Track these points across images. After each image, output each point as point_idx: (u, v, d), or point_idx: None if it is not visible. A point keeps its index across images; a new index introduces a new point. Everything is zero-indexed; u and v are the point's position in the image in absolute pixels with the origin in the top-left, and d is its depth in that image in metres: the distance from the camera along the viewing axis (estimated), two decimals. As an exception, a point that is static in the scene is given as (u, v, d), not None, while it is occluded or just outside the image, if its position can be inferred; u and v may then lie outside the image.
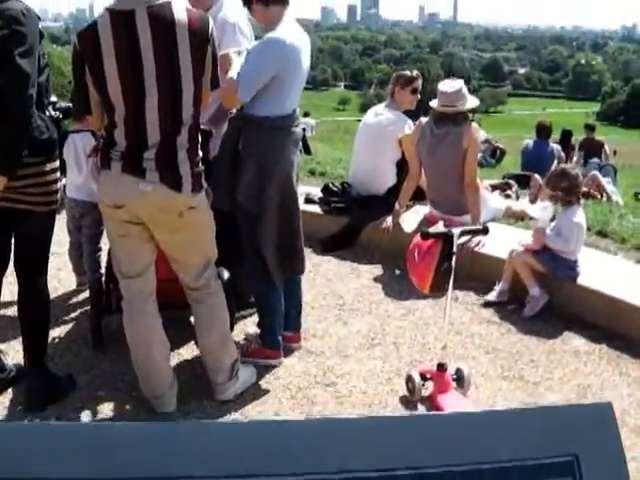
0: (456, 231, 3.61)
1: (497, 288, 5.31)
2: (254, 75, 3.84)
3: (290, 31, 3.92)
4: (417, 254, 3.75)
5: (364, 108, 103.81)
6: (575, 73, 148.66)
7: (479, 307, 5.28)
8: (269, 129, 3.92)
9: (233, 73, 3.86)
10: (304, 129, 4.54)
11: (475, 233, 4.19)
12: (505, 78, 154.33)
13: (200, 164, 3.53)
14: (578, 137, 17.12)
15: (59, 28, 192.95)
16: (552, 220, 5.22)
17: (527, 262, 5.19)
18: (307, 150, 11.76)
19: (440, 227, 3.84)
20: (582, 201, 5.62)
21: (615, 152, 16.96)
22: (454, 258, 3.62)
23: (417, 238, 3.79)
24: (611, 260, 5.66)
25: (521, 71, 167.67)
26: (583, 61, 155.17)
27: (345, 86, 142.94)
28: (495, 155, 14.96)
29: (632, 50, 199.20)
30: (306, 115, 23.65)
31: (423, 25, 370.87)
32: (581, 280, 5.14)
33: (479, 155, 8.84)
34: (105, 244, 4.25)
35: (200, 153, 3.55)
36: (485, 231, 3.86)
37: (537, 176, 8.70)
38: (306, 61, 4.04)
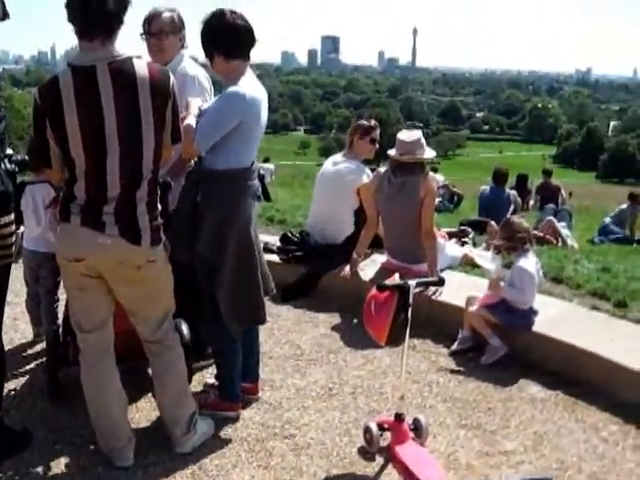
0: (412, 283, 3.65)
1: (459, 337, 5.36)
2: (213, 126, 3.87)
3: (251, 85, 3.97)
4: (373, 306, 3.78)
5: (324, 152, 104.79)
6: (531, 116, 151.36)
7: (436, 355, 5.32)
8: (228, 182, 3.95)
9: (191, 121, 3.89)
10: (263, 175, 4.58)
11: (431, 284, 4.24)
12: (463, 122, 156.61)
13: (159, 217, 3.55)
14: (535, 179, 17.39)
15: (20, 71, 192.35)
16: (508, 267, 5.29)
17: (483, 316, 5.25)
18: (266, 196, 11.79)
19: (396, 279, 3.87)
20: (535, 247, 5.70)
21: (570, 194, 17.25)
22: (410, 310, 3.66)
23: (373, 290, 3.82)
24: (566, 307, 5.73)
25: (479, 115, 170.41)
26: (539, 105, 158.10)
27: (305, 130, 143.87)
28: (453, 200, 15.15)
29: (587, 94, 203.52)
30: (266, 160, 23.76)
31: (382, 70, 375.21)
32: (537, 328, 5.21)
33: (437, 200, 8.95)
34: (63, 295, 4.23)
35: (159, 206, 3.57)
36: (441, 282, 3.91)
37: (493, 223, 8.82)
38: (265, 115, 4.09)
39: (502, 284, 5.23)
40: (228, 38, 3.94)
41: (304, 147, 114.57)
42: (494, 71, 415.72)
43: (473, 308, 5.28)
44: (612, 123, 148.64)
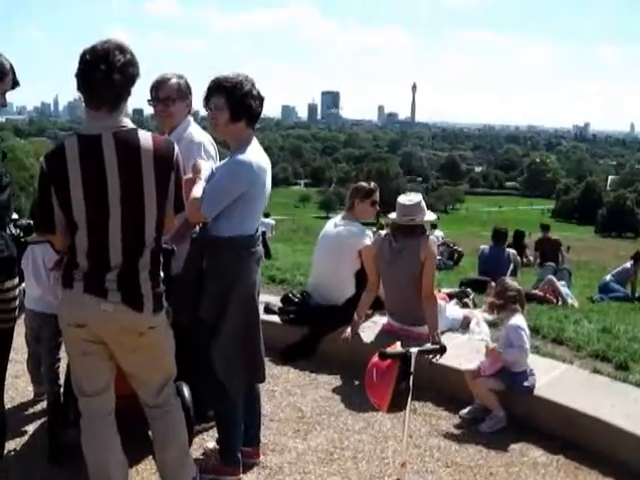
0: (414, 351, 3.66)
1: (472, 407, 5.35)
2: (220, 193, 3.92)
3: (257, 154, 4.04)
4: (375, 374, 3.79)
5: (324, 206, 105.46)
6: (530, 171, 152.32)
7: (437, 418, 5.30)
8: (233, 250, 3.99)
9: (200, 186, 3.95)
10: (264, 232, 4.63)
11: (433, 352, 4.26)
12: (462, 176, 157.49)
13: (161, 284, 3.57)
14: (534, 234, 17.45)
15: (23, 121, 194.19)
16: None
17: (489, 387, 5.24)
18: (267, 253, 11.83)
19: (398, 347, 3.88)
20: (535, 306, 5.72)
21: (569, 248, 17.30)
22: (412, 378, 3.67)
23: (375, 358, 3.83)
24: (567, 369, 5.72)
25: (478, 169, 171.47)
26: (538, 159, 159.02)
27: (305, 184, 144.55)
28: (453, 257, 15.20)
29: (585, 149, 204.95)
30: (266, 215, 23.83)
31: (382, 125, 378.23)
32: (538, 391, 5.20)
33: (437, 258, 9.00)
34: (64, 354, 4.23)
35: (162, 273, 3.60)
36: (442, 350, 3.92)
37: (493, 284, 8.84)
38: (269, 183, 4.15)
39: (500, 350, 5.24)
40: (260, 109, 4.09)
41: (304, 201, 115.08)
42: (492, 126, 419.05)
43: (476, 380, 5.27)
44: (610, 177, 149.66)
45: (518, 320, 5.24)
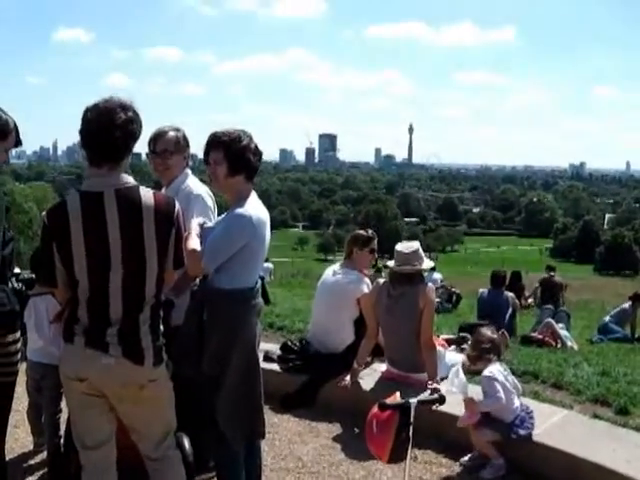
0: (413, 402, 3.68)
1: (472, 455, 5.34)
2: (221, 246, 3.98)
3: (256, 207, 4.10)
4: (375, 425, 3.80)
5: (322, 248, 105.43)
6: (527, 211, 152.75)
7: (438, 466, 5.29)
8: (233, 302, 4.04)
9: (196, 241, 4.00)
10: (262, 276, 4.67)
11: (433, 402, 4.25)
12: (460, 217, 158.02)
13: (161, 337, 3.60)
14: (532, 274, 17.46)
15: (22, 166, 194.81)
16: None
17: (486, 439, 5.23)
18: (266, 298, 11.80)
19: (397, 398, 3.89)
20: (527, 350, 5.70)
21: (566, 286, 17.28)
22: (411, 428, 3.68)
23: (375, 409, 3.85)
24: (567, 415, 5.72)
25: (475, 210, 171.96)
26: (535, 199, 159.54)
27: (303, 226, 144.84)
28: (452, 300, 15.21)
29: (581, 188, 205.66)
30: (265, 260, 23.85)
31: (379, 167, 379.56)
32: (538, 437, 5.19)
33: (436, 301, 9.01)
34: (65, 405, 4.23)
35: (162, 327, 3.62)
36: (442, 400, 3.94)
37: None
38: (268, 235, 4.20)
39: (477, 398, 5.23)
40: (258, 163, 4.18)
41: (302, 243, 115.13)
42: (489, 167, 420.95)
43: (473, 430, 5.26)
44: (607, 216, 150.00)
45: (492, 370, 5.23)
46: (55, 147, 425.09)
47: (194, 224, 4.16)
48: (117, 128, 3.32)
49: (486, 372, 5.22)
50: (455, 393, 5.19)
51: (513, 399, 5.26)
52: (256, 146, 4.14)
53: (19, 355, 3.92)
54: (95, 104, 3.39)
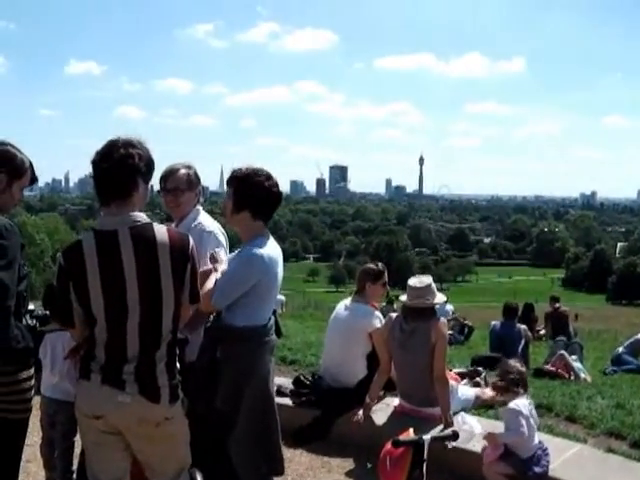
0: (427, 438, 3.67)
1: None
2: (232, 285, 4.03)
3: (269, 246, 4.15)
4: (388, 462, 3.79)
5: (334, 280, 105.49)
6: (539, 241, 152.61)
7: (453, 502, 5.27)
8: (246, 340, 4.08)
9: (213, 279, 4.05)
10: (274, 310, 4.71)
11: (446, 439, 4.23)
12: (471, 248, 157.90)
13: (177, 375, 3.61)
14: (542, 304, 17.41)
15: (34, 197, 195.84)
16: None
17: (499, 472, 5.17)
18: (278, 331, 11.80)
19: (411, 434, 3.88)
20: (539, 383, 5.67)
21: (577, 316, 17.24)
22: (425, 465, 3.67)
23: (388, 445, 3.84)
24: (581, 449, 5.68)
25: (486, 240, 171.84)
26: (546, 229, 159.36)
27: (314, 258, 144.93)
28: (464, 332, 15.16)
29: (592, 217, 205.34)
30: (277, 292, 23.83)
31: (390, 198, 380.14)
32: (552, 472, 5.15)
33: (449, 333, 9.00)
34: (78, 440, 4.22)
35: (178, 364, 3.64)
36: (455, 437, 3.92)
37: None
38: (281, 273, 4.24)
39: (498, 432, 5.21)
40: (268, 201, 4.20)
41: (313, 274, 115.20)
42: (500, 197, 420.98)
43: (486, 464, 5.23)
44: (619, 245, 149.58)
45: (518, 404, 5.20)
46: (67, 179, 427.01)
47: (222, 259, 4.22)
48: (116, 165, 3.37)
49: (512, 405, 5.20)
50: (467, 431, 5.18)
51: (534, 435, 5.23)
52: (272, 185, 4.18)
53: (32, 392, 3.93)
54: (105, 144, 3.45)
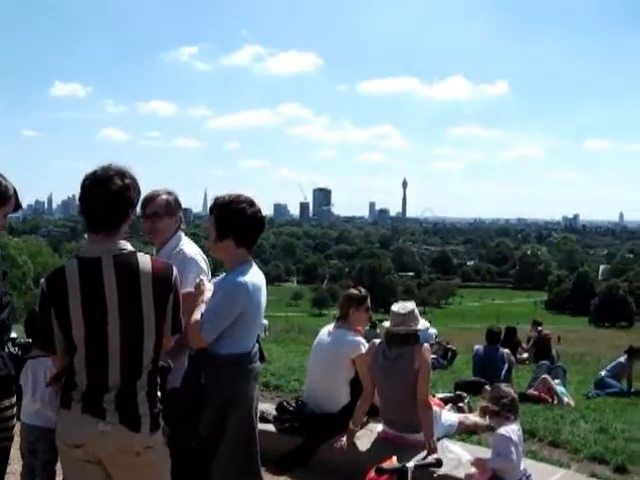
0: (410, 466, 3.66)
1: None
2: (219, 317, 4.04)
3: (252, 273, 4.15)
4: (372, 490, 3.79)
5: (317, 303, 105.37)
6: (522, 264, 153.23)
7: (437, 529, 5.24)
8: (231, 367, 4.07)
9: (199, 311, 4.05)
10: (258, 335, 4.71)
11: (429, 466, 4.22)
12: (454, 271, 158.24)
13: (158, 404, 3.59)
14: (525, 325, 17.46)
15: (16, 219, 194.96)
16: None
17: None
18: (261, 357, 11.75)
19: (394, 462, 3.87)
20: (523, 408, 5.66)
21: (559, 338, 17.28)
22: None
23: (372, 473, 3.82)
24: (565, 474, 5.68)
25: (469, 263, 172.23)
26: (529, 252, 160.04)
27: (298, 281, 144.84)
28: (447, 356, 15.16)
29: (575, 239, 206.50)
30: (260, 317, 23.74)
31: (374, 221, 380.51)
32: (536, 498, 5.14)
33: (432, 357, 8.99)
34: (59, 467, 4.18)
35: (159, 393, 3.62)
36: (439, 464, 3.91)
37: (487, 387, 8.83)
38: (264, 300, 4.24)
39: (485, 457, 5.20)
40: (251, 228, 4.21)
41: (297, 298, 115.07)
42: (483, 220, 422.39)
43: None
44: (601, 267, 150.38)
45: (508, 430, 5.19)
46: (50, 200, 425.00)
47: (208, 289, 4.22)
48: (113, 197, 3.36)
49: (502, 430, 5.18)
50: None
51: (520, 462, 5.22)
52: (254, 212, 4.19)
53: (14, 420, 3.90)
54: (94, 171, 3.43)
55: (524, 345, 16.57)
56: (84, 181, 3.43)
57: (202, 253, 4.91)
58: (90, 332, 3.36)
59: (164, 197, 4.90)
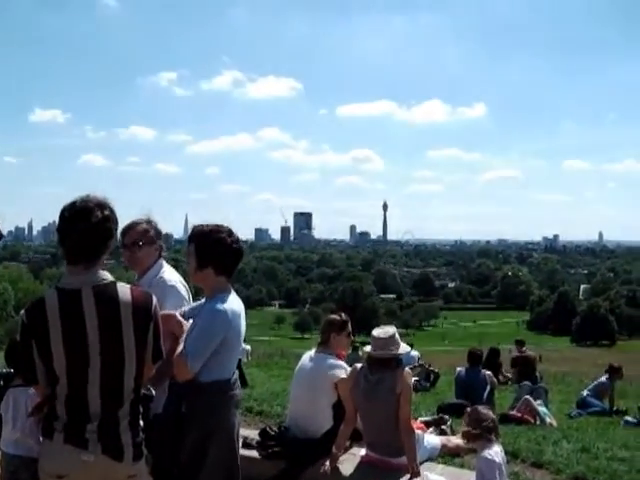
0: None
1: None
2: (201, 347, 4.08)
3: (231, 301, 4.19)
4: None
5: (299, 327, 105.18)
6: (503, 284, 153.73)
7: None
8: (211, 395, 4.10)
9: (181, 346, 4.08)
10: (239, 360, 4.73)
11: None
12: (436, 292, 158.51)
13: (141, 432, 3.59)
14: (508, 345, 17.51)
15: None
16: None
17: None
18: (243, 381, 11.70)
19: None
20: (505, 429, 5.69)
21: (540, 357, 17.32)
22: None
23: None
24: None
25: (451, 285, 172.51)
26: (510, 273, 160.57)
27: (280, 305, 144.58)
28: (429, 378, 15.15)
29: (555, 260, 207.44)
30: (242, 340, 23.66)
31: (355, 244, 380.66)
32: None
33: (414, 380, 9.00)
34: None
35: (141, 422, 3.62)
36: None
37: (469, 409, 8.86)
38: (244, 326, 4.28)
39: None
40: (231, 258, 4.24)
41: (279, 322, 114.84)
42: (464, 242, 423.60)
43: None
44: (582, 287, 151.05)
45: (491, 452, 5.21)
46: (30, 227, 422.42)
47: (185, 328, 4.24)
48: (93, 229, 3.38)
49: (486, 453, 5.19)
50: None
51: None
52: (233, 241, 4.23)
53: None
54: (72, 202, 3.45)
55: (505, 372, 16.61)
56: (63, 212, 3.44)
57: (183, 280, 4.93)
58: (71, 363, 3.36)
59: (144, 226, 4.93)
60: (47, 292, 3.48)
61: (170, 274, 4.93)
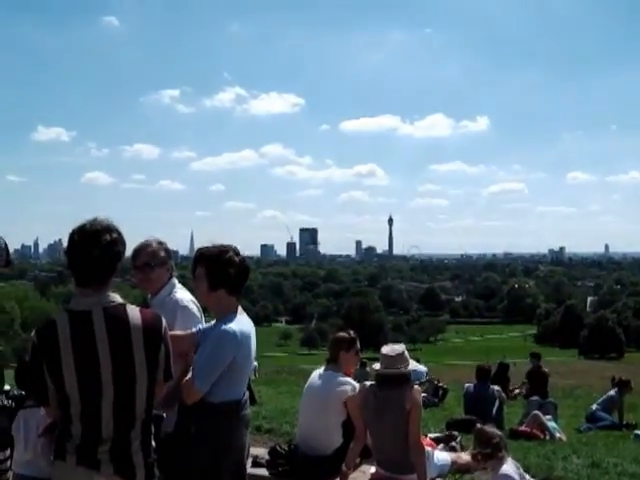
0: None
1: None
2: (210, 367, 4.11)
3: (241, 321, 4.22)
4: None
5: (306, 342, 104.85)
6: (509, 298, 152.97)
7: None
8: (221, 415, 4.12)
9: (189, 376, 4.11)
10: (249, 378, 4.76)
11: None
12: (443, 307, 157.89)
13: (153, 453, 3.61)
14: (516, 358, 17.46)
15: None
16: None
17: None
18: (252, 398, 11.70)
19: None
20: (515, 444, 5.68)
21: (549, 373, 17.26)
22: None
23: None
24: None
25: (458, 299, 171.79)
26: (516, 286, 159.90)
27: (286, 321, 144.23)
28: (438, 394, 15.13)
29: (562, 272, 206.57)
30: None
31: (360, 259, 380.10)
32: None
33: (422, 395, 9.00)
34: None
35: (153, 443, 3.64)
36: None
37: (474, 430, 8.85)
38: (254, 346, 4.30)
39: None
40: (242, 277, 4.28)
41: (286, 338, 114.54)
42: (470, 256, 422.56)
43: None
44: (589, 299, 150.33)
45: (508, 469, 5.22)
46: (36, 245, 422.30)
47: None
48: (101, 252, 3.42)
49: (504, 470, 5.19)
50: None
51: None
52: (241, 260, 4.27)
53: (8, 473, 3.90)
54: (81, 226, 3.49)
55: (513, 386, 16.60)
56: (72, 236, 3.49)
57: (195, 299, 4.95)
58: (83, 385, 3.39)
59: (153, 247, 4.95)
60: (58, 314, 3.51)
61: (182, 294, 4.95)
